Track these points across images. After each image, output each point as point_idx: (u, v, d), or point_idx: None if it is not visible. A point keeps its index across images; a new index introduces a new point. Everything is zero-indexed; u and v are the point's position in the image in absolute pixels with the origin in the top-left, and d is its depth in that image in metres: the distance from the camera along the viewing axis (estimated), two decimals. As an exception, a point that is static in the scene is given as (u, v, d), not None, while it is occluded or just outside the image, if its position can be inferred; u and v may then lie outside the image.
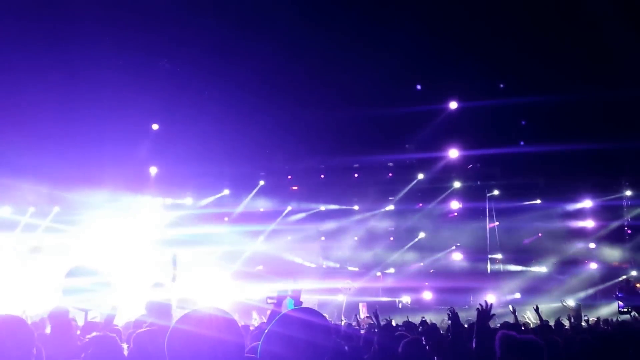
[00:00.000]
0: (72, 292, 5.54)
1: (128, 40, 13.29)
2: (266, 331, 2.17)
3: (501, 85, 16.11)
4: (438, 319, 13.79)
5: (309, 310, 2.44)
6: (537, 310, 8.21)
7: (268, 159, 20.20)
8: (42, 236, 18.69)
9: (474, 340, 4.11)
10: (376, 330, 6.44)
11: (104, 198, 17.91)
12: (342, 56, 14.67)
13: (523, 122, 17.54)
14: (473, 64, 15.01)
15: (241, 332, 2.17)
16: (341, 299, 18.27)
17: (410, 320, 9.98)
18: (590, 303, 16.95)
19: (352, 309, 17.03)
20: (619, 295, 12.25)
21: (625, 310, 10.59)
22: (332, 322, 11.44)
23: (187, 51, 14.32)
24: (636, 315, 10.62)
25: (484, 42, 14.63)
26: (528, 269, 20.89)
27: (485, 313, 4.24)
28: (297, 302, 4.50)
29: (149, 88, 14.72)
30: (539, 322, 8.26)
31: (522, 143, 17.60)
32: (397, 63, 14.61)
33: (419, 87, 16.42)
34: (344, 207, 22.12)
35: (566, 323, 8.72)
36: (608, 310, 14.58)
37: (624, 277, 17.06)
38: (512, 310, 8.16)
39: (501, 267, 21.08)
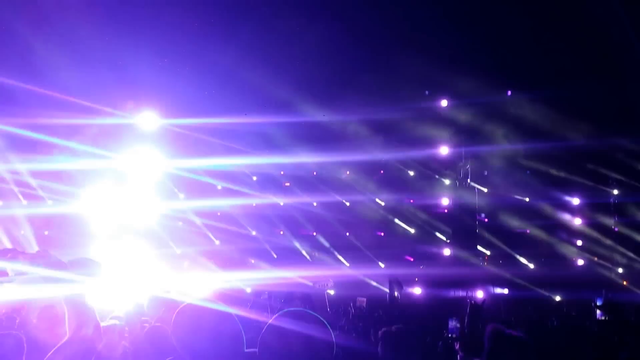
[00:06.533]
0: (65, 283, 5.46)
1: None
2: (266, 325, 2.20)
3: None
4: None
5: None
6: (528, 308, 8.40)
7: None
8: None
9: (466, 329, 4.09)
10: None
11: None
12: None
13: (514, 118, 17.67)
14: (462, 62, 15.11)
15: (239, 324, 2.24)
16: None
17: None
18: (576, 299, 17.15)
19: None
20: (598, 304, 12.41)
21: (603, 319, 10.76)
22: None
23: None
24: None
25: (473, 39, 14.73)
26: (515, 265, 21.05)
27: (477, 309, 4.21)
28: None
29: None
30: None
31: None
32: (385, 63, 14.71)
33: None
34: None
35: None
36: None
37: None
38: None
39: (488, 263, 21.24)
